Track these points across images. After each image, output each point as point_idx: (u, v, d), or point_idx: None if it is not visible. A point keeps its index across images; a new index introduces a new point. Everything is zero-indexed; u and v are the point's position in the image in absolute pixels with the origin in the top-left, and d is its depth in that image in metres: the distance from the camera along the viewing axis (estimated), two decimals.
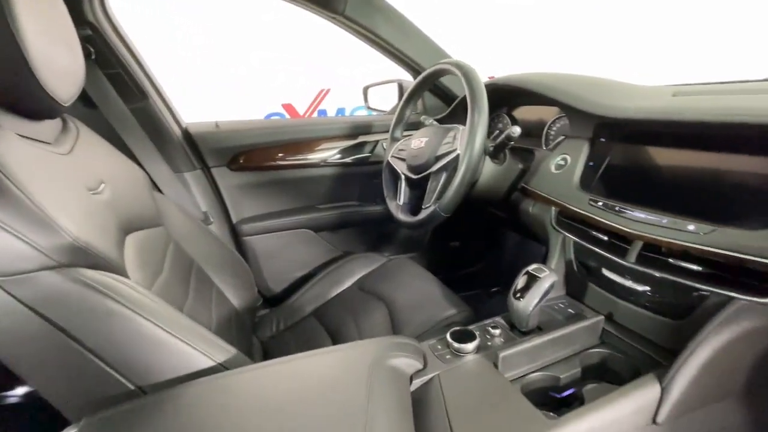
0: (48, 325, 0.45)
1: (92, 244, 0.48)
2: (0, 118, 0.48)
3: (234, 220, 1.18)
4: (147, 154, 0.99)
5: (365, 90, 1.43)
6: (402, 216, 0.95)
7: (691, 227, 0.53)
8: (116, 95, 0.93)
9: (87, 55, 0.75)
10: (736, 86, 0.68)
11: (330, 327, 0.96)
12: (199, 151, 1.10)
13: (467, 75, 0.79)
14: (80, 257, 0.47)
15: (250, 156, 1.16)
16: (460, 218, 1.49)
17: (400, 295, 0.95)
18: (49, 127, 0.57)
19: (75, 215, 0.48)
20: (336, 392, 0.48)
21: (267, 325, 1.04)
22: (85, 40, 0.85)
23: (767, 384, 0.58)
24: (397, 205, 0.99)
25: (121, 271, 0.54)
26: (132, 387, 0.50)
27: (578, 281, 0.73)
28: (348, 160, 1.27)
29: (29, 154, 0.49)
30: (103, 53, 0.89)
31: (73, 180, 0.54)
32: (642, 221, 0.59)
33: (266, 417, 0.45)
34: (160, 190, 1.00)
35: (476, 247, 1.57)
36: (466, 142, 0.76)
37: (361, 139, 1.28)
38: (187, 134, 1.09)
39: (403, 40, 1.11)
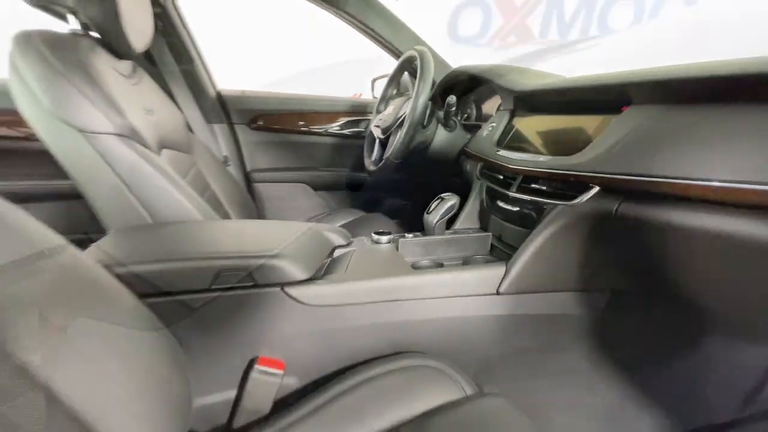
0: (107, 167, 0.74)
1: (143, 133, 0.77)
2: (101, 53, 0.79)
3: (248, 168, 1.48)
4: (187, 105, 1.31)
5: (373, 82, 1.69)
6: (371, 167, 1.20)
7: (542, 159, 0.74)
8: (172, 59, 1.25)
9: (155, 26, 1.08)
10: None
11: None
12: (227, 109, 1.41)
13: (421, 56, 1.04)
14: (135, 136, 0.76)
15: (267, 119, 1.46)
16: (433, 189, 1.70)
17: None
18: (127, 65, 0.88)
19: (136, 115, 0.78)
20: (267, 231, 0.74)
21: None
22: (155, 16, 1.19)
23: (586, 285, 0.77)
24: (370, 161, 1.24)
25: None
26: (151, 221, 0.78)
27: (486, 215, 0.94)
28: (346, 132, 1.55)
29: (118, 77, 0.79)
30: (166, 27, 1.22)
31: (136, 99, 0.84)
32: (518, 158, 0.80)
33: (223, 233, 0.71)
34: (192, 132, 1.31)
35: None
36: (412, 102, 1.00)
37: (358, 117, 1.56)
38: (219, 95, 1.41)
39: (391, 33, 1.37)
